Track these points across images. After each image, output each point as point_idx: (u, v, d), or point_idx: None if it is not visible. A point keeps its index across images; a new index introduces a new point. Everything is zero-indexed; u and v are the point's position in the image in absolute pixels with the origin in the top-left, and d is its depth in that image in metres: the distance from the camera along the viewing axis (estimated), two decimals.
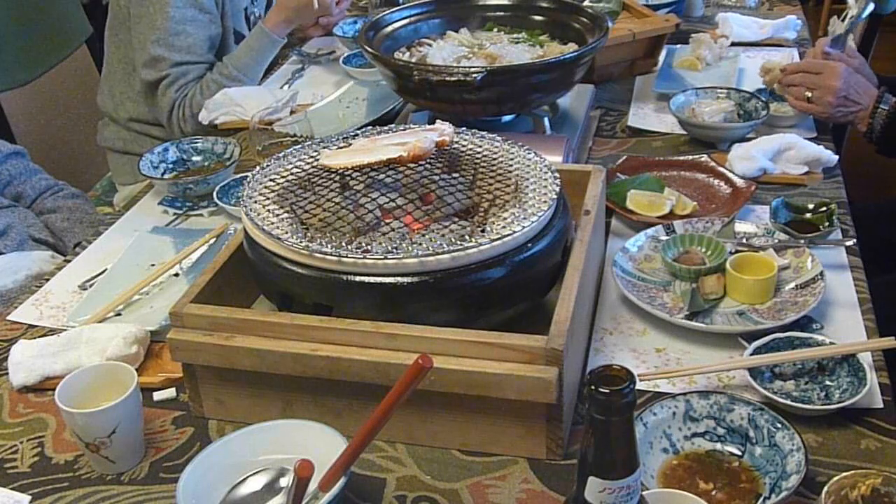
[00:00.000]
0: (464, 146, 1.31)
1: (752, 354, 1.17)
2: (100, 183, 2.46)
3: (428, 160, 1.22)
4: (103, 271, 1.51)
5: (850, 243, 1.42)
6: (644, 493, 0.77)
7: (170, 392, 1.24)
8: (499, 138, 1.32)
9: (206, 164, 1.81)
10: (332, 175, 1.24)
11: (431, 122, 1.62)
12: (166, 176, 1.76)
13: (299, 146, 1.32)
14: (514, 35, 1.85)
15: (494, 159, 1.28)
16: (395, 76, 1.66)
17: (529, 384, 1.01)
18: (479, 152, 1.29)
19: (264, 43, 2.12)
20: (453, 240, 1.09)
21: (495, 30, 1.88)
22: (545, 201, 1.16)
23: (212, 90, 2.06)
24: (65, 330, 1.34)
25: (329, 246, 1.09)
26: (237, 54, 2.12)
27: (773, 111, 1.81)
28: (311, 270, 1.10)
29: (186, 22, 2.04)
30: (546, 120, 1.74)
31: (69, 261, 1.59)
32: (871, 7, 1.81)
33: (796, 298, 1.29)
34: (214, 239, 1.54)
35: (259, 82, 2.24)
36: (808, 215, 1.48)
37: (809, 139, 1.70)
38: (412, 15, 1.87)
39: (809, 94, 1.71)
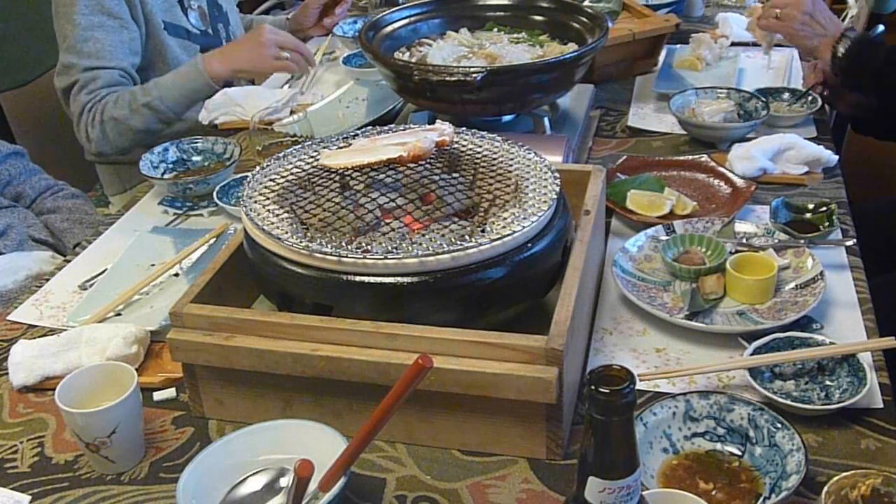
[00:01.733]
0: (464, 146, 1.31)
1: (752, 354, 1.17)
2: (98, 184, 2.46)
3: (428, 160, 1.22)
4: (103, 271, 1.51)
5: (850, 243, 1.42)
6: (644, 493, 0.77)
7: (170, 392, 1.24)
8: (499, 138, 1.32)
9: (206, 164, 1.81)
10: (332, 175, 1.24)
11: (431, 122, 1.62)
12: (166, 176, 1.76)
13: (299, 146, 1.32)
14: (514, 35, 1.86)
15: (494, 159, 1.28)
16: (395, 76, 1.66)
17: (529, 384, 1.01)
18: (479, 152, 1.29)
19: (199, 86, 1.99)
20: (453, 240, 1.09)
21: (495, 30, 1.88)
22: (545, 201, 1.16)
23: (125, 104, 1.96)
24: (65, 330, 1.34)
25: (329, 246, 1.09)
26: (167, 84, 1.98)
27: (773, 111, 1.81)
28: (311, 270, 1.10)
29: (94, 28, 1.98)
30: (546, 120, 1.74)
31: (69, 261, 1.59)
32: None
33: (796, 298, 1.29)
34: (214, 239, 1.54)
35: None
36: (808, 215, 1.48)
37: (809, 139, 1.70)
38: (412, 15, 1.87)
39: (778, 12, 1.78)
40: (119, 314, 1.39)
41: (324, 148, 1.30)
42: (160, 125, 1.99)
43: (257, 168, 1.27)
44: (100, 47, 1.98)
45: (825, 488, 0.88)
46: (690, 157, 1.70)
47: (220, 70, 1.98)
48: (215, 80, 1.98)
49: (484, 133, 1.33)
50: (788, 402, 1.10)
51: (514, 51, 1.75)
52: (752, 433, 1.06)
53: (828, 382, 1.15)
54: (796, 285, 1.32)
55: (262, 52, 2.00)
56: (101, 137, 1.99)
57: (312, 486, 0.90)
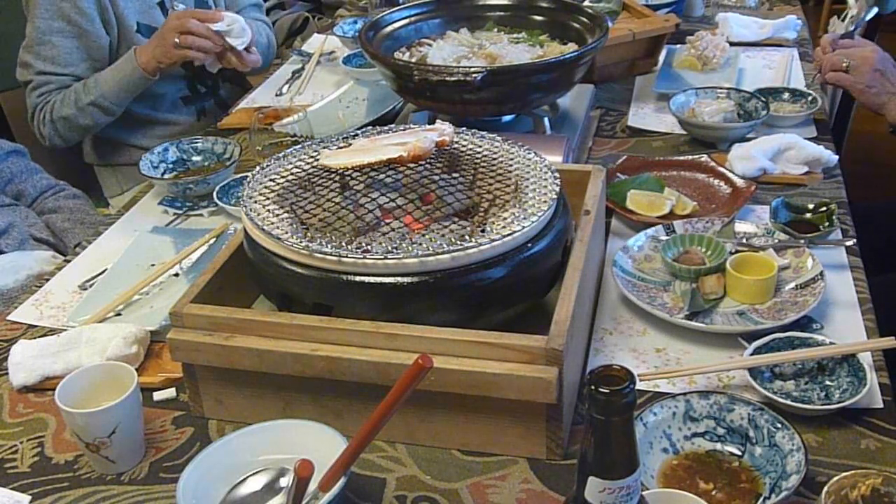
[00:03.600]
0: (464, 146, 1.31)
1: (752, 354, 1.17)
2: (98, 185, 2.45)
3: (428, 160, 1.22)
4: (103, 271, 1.51)
5: (850, 243, 1.42)
6: (644, 493, 0.77)
7: (170, 392, 1.24)
8: (499, 138, 1.32)
9: (206, 164, 1.81)
10: (332, 175, 1.24)
11: (431, 122, 1.63)
12: (166, 176, 1.76)
13: (299, 146, 1.32)
14: (514, 35, 1.86)
15: (494, 159, 1.28)
16: (395, 76, 1.66)
17: (529, 384, 1.01)
18: (479, 152, 1.29)
19: (136, 79, 1.99)
20: (453, 240, 1.09)
21: (495, 30, 1.88)
22: (545, 201, 1.16)
23: (71, 102, 1.99)
24: (65, 330, 1.34)
25: (329, 246, 1.09)
26: (107, 80, 1.99)
27: (773, 111, 1.81)
28: (311, 270, 1.10)
29: (52, 33, 1.99)
30: (546, 120, 1.74)
31: (69, 261, 1.59)
32: (873, 11, 1.79)
33: (796, 298, 1.29)
34: (214, 239, 1.54)
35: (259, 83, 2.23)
36: (808, 215, 1.48)
37: (809, 139, 1.70)
38: (412, 15, 1.87)
39: (846, 63, 1.67)
40: (119, 314, 1.39)
41: (324, 148, 1.30)
42: (108, 117, 2.04)
43: (257, 168, 1.27)
44: (55, 53, 2.00)
45: (825, 488, 0.88)
46: (690, 157, 1.70)
47: (146, 61, 1.96)
48: (147, 71, 1.96)
49: (484, 133, 1.33)
50: (788, 402, 1.10)
51: (514, 51, 1.75)
52: (752, 433, 1.06)
53: (828, 382, 1.15)
54: (796, 285, 1.32)
55: (163, 41, 1.93)
56: (52, 134, 2.07)
57: (312, 486, 0.90)
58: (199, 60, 1.96)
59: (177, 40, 1.91)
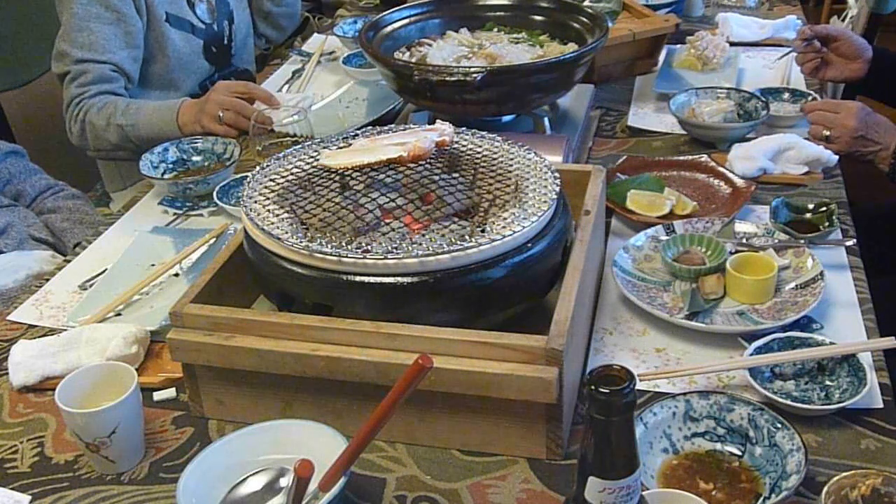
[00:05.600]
0: (464, 146, 1.31)
1: (752, 354, 1.17)
2: (99, 183, 2.46)
3: (428, 160, 1.22)
4: (103, 271, 1.51)
5: (850, 243, 1.42)
6: (644, 493, 0.77)
7: (170, 392, 1.24)
8: (499, 138, 1.32)
9: (206, 164, 1.81)
10: (332, 175, 1.24)
11: (431, 122, 1.62)
12: (166, 176, 1.76)
13: (299, 146, 1.32)
14: (514, 35, 1.86)
15: (494, 159, 1.28)
16: (395, 76, 1.66)
17: (529, 384, 1.01)
18: (479, 152, 1.29)
19: (169, 130, 1.93)
20: (453, 240, 1.09)
21: (495, 30, 1.89)
22: (545, 201, 1.16)
23: (105, 115, 1.96)
24: (65, 330, 1.34)
25: (329, 246, 1.09)
26: (145, 116, 1.95)
27: (773, 111, 1.81)
28: (311, 270, 1.10)
29: (90, 19, 1.98)
30: (546, 120, 1.74)
31: (69, 261, 1.59)
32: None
33: (796, 298, 1.29)
34: (214, 239, 1.54)
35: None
36: (808, 215, 1.48)
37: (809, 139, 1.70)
38: (412, 15, 1.87)
39: (828, 133, 1.67)
40: (119, 314, 1.39)
41: (324, 148, 1.30)
42: (133, 145, 1.97)
43: (257, 168, 1.27)
44: (93, 39, 1.98)
45: (825, 488, 0.88)
46: (690, 157, 1.70)
47: (185, 122, 1.93)
48: (183, 131, 1.92)
49: (484, 133, 1.33)
50: (788, 402, 1.10)
51: (514, 51, 1.75)
52: (752, 433, 1.06)
53: (828, 382, 1.15)
54: (796, 285, 1.32)
55: (204, 109, 1.90)
56: (80, 134, 2.02)
57: (312, 486, 0.90)
58: (231, 136, 1.88)
59: (221, 115, 1.87)
